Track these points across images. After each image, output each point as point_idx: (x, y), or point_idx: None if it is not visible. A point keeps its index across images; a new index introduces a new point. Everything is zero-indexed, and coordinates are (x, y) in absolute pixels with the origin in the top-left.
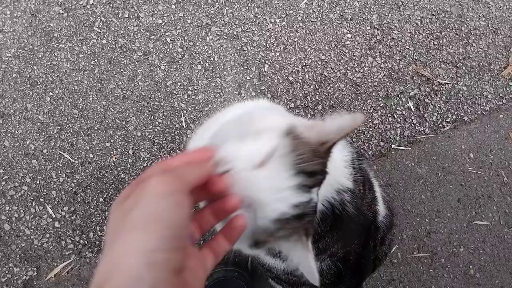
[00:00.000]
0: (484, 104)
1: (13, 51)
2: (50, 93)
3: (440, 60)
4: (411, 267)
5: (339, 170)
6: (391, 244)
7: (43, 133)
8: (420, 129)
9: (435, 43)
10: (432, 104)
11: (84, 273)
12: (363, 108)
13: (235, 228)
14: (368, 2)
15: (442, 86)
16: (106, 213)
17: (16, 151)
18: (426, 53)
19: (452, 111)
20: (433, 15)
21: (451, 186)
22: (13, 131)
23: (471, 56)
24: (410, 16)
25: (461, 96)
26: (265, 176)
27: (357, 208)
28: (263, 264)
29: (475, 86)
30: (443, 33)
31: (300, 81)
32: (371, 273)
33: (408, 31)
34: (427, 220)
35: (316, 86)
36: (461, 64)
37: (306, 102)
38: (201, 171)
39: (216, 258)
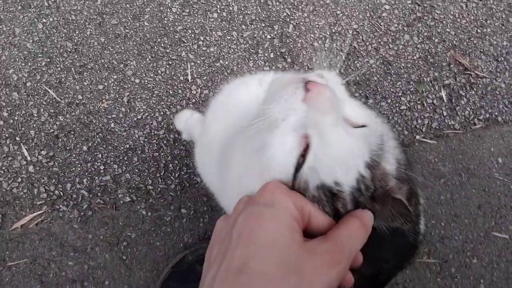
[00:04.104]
0: None
1: None
2: (44, 20)
3: (481, 50)
4: (418, 272)
5: None
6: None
7: (29, 64)
8: (450, 123)
9: (478, 31)
10: (466, 97)
11: (54, 228)
12: (392, 90)
13: None
14: None
15: (480, 79)
16: (88, 164)
17: None
18: (468, 40)
19: (486, 108)
20: (481, 0)
21: (473, 190)
22: None
23: None
24: None
25: (498, 93)
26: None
27: (395, 227)
28: None
29: None
30: (488, 22)
31: (326, 49)
32: None
33: (452, 13)
34: (442, 224)
35: (343, 57)
36: (503, 59)
37: None
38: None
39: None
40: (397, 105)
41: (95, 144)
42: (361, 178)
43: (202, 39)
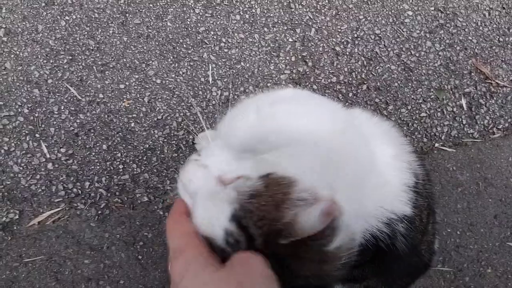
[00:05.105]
0: None
1: None
2: (67, 17)
3: (503, 59)
4: (432, 280)
5: (393, 195)
6: None
7: (51, 61)
8: (469, 132)
9: (501, 39)
10: (486, 106)
11: (71, 226)
12: (412, 97)
13: None
14: None
15: (500, 88)
16: (107, 162)
17: (18, 75)
18: (489, 49)
19: (506, 118)
20: (504, 8)
21: (490, 200)
22: (17, 52)
23: None
24: (479, 5)
25: None
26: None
27: (413, 245)
28: None
29: None
30: (510, 30)
31: (347, 53)
32: None
33: (474, 21)
34: (458, 233)
35: (365, 62)
36: None
37: (350, 79)
38: None
39: None
40: (417, 112)
41: (114, 143)
42: (227, 231)
43: (224, 41)
